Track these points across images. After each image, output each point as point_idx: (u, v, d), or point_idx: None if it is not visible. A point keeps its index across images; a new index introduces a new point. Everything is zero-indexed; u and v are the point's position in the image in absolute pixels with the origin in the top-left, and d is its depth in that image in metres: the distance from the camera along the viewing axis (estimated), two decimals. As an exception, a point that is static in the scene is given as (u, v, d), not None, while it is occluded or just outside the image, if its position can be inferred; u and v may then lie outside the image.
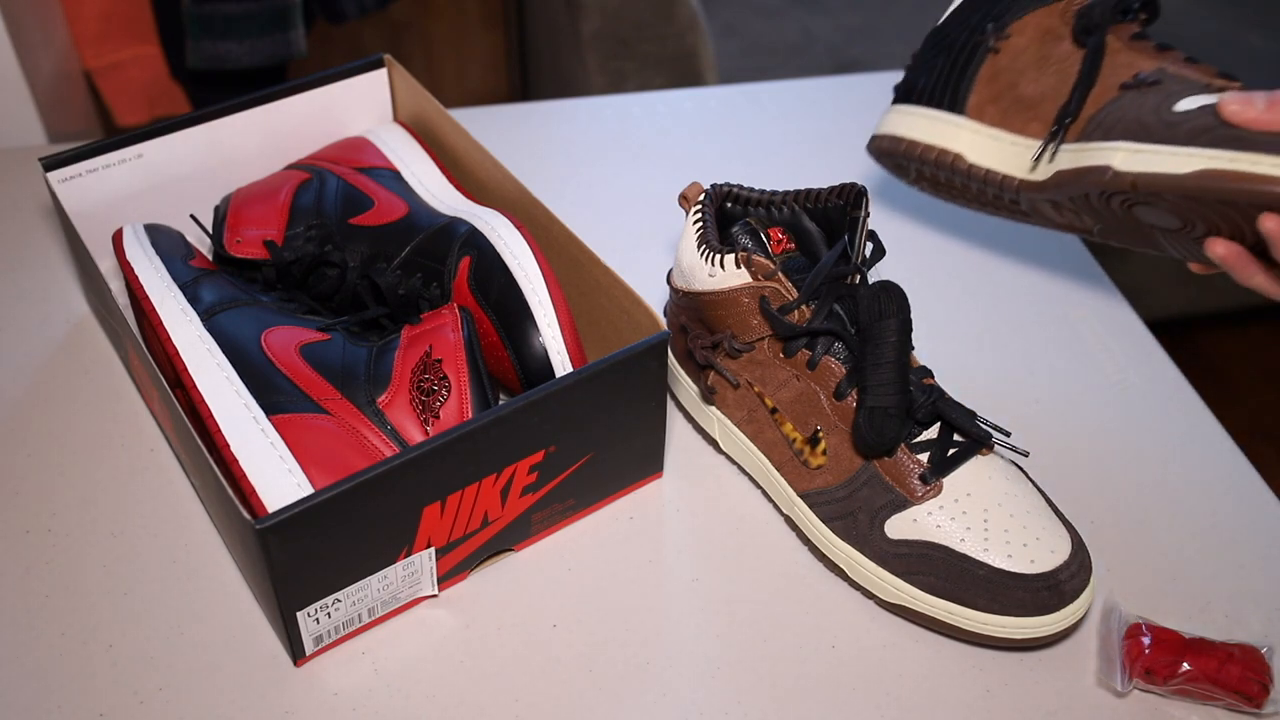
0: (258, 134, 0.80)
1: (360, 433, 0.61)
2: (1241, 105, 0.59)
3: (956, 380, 0.79)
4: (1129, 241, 0.68)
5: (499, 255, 0.68)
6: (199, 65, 1.29)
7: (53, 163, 0.73)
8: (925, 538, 0.62)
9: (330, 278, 0.72)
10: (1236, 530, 0.70)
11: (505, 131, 0.98)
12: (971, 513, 0.62)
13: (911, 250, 0.89)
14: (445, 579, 0.64)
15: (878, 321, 0.60)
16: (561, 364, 0.66)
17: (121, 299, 0.77)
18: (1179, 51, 0.67)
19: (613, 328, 0.70)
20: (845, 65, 1.74)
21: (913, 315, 0.75)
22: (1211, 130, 0.59)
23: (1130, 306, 0.85)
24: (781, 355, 0.65)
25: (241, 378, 0.62)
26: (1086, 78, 0.67)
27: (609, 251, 0.87)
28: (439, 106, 0.80)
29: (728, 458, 0.73)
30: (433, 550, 0.62)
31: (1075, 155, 0.66)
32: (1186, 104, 0.62)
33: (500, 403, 0.64)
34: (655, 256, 0.87)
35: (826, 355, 0.64)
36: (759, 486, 0.71)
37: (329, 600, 0.59)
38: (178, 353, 0.62)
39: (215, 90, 1.47)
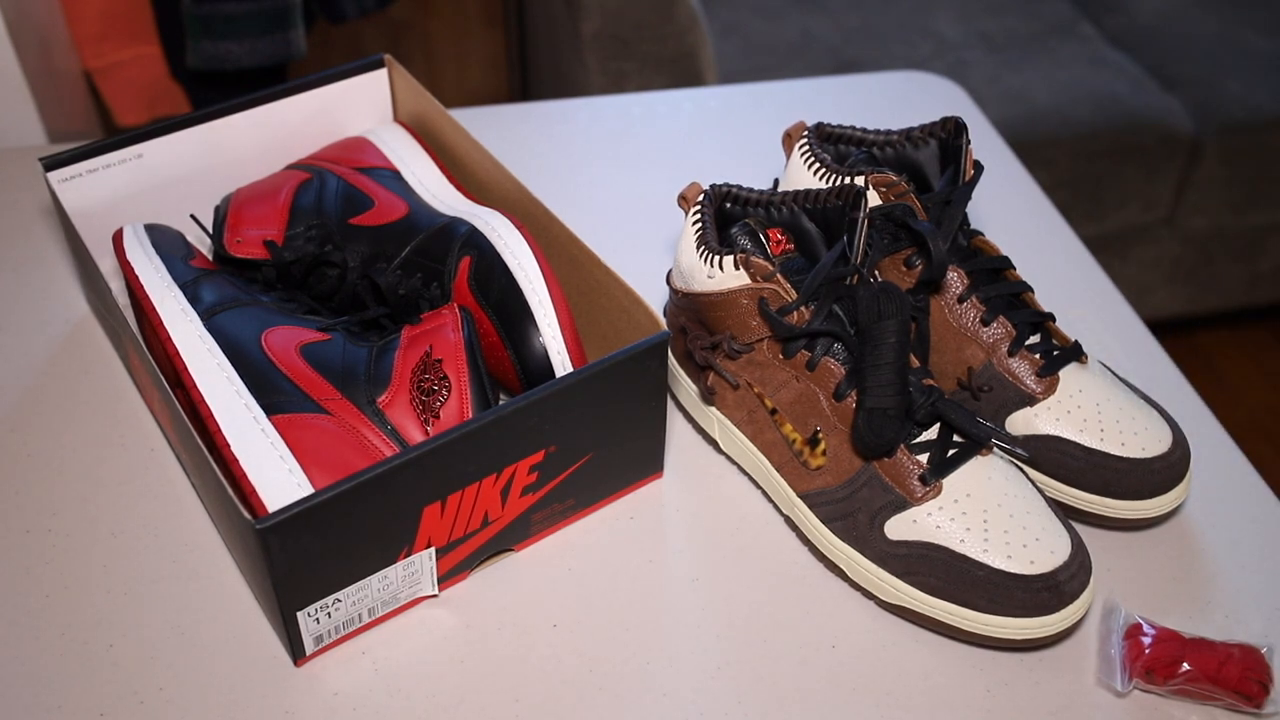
0: (258, 134, 0.80)
1: (360, 433, 0.61)
2: None
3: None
4: None
5: (499, 255, 0.68)
6: (199, 65, 1.29)
7: (53, 163, 0.73)
8: (925, 538, 0.62)
9: (330, 278, 0.72)
10: (1236, 530, 0.70)
11: (505, 131, 0.98)
12: (971, 513, 0.62)
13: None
14: (445, 579, 0.64)
15: (877, 323, 0.60)
16: (561, 364, 0.66)
17: (121, 299, 0.77)
18: None
19: (613, 328, 0.70)
20: (845, 65, 1.74)
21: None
22: None
23: (1130, 306, 0.85)
24: (781, 356, 0.65)
25: (242, 378, 0.62)
26: None
27: (609, 251, 0.87)
28: (439, 106, 0.79)
29: (728, 458, 0.73)
30: (433, 550, 0.62)
31: None
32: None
33: (500, 403, 0.64)
34: (655, 257, 0.87)
35: (826, 356, 0.64)
36: (759, 487, 0.71)
37: (329, 600, 0.59)
38: (178, 353, 0.62)
39: (215, 90, 1.47)
